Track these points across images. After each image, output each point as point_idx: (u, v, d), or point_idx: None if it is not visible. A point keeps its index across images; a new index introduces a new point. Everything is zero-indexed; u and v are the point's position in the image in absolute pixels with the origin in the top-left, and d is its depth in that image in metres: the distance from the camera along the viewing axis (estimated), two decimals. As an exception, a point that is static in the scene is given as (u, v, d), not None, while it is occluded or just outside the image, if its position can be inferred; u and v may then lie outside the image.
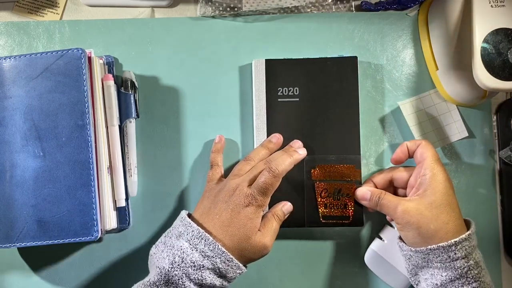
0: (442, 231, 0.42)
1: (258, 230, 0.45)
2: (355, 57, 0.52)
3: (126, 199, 0.51)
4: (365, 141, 0.53)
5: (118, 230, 0.51)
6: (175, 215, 0.52)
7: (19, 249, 0.52)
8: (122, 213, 0.51)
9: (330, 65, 0.52)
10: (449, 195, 0.44)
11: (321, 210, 0.51)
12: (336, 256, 0.53)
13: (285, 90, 0.52)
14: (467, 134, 0.52)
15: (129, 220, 0.51)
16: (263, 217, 0.47)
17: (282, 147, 0.51)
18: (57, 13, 0.56)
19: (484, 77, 0.45)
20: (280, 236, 0.52)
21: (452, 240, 0.42)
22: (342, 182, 0.51)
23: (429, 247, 0.42)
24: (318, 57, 0.52)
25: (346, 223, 0.51)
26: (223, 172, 0.51)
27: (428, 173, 0.44)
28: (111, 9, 0.56)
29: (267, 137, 0.51)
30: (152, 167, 0.53)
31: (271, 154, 0.49)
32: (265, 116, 0.52)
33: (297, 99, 0.52)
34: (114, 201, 0.50)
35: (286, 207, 0.49)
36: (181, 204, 0.53)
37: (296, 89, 0.52)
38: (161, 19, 0.55)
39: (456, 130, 0.53)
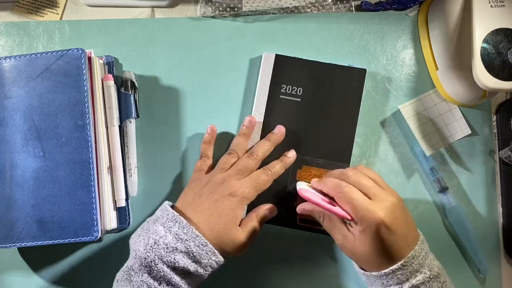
0: (372, 263, 0.42)
1: (239, 226, 0.46)
2: (364, 70, 0.52)
3: (126, 199, 0.51)
4: (365, 141, 0.53)
5: (118, 230, 0.51)
6: (175, 215, 0.53)
7: (19, 249, 0.52)
8: (122, 213, 0.51)
9: (338, 73, 0.52)
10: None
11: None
12: (336, 255, 0.52)
13: (289, 88, 0.52)
14: (470, 132, 0.52)
15: (129, 220, 0.51)
16: (246, 216, 0.49)
17: (264, 135, 0.51)
18: (57, 13, 0.56)
19: (484, 77, 0.45)
20: (279, 235, 0.52)
21: (382, 272, 0.41)
22: None
23: (367, 272, 0.43)
24: (328, 62, 0.52)
25: (322, 230, 0.48)
26: (212, 163, 0.51)
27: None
28: (111, 9, 0.56)
29: (263, 130, 0.52)
30: (152, 167, 0.53)
31: (249, 138, 0.51)
32: (264, 109, 0.52)
33: (299, 99, 0.52)
34: (114, 201, 0.50)
35: (270, 210, 0.50)
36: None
37: (300, 89, 0.52)
38: (161, 19, 0.55)
39: (459, 128, 0.52)
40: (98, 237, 0.46)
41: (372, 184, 0.43)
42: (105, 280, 0.52)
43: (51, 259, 0.52)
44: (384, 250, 0.41)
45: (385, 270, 0.41)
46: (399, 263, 0.40)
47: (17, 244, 0.46)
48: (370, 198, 0.42)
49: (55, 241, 0.46)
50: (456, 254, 0.52)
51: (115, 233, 0.52)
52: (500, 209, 0.53)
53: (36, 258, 0.52)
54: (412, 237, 0.42)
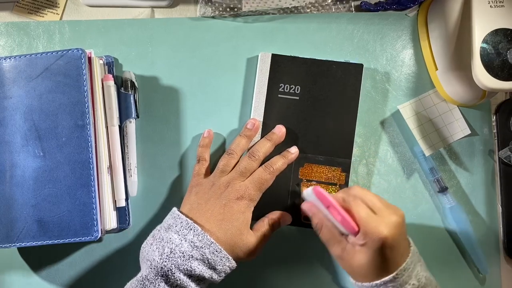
0: (368, 276, 0.42)
1: (251, 230, 0.46)
2: (361, 65, 0.52)
3: (126, 199, 0.51)
4: (365, 141, 0.53)
5: (118, 230, 0.51)
6: (175, 215, 0.53)
7: (19, 249, 0.52)
8: (122, 213, 0.51)
9: (335, 69, 0.52)
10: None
11: None
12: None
13: (287, 87, 0.52)
14: (469, 132, 0.52)
15: (129, 220, 0.51)
16: (258, 220, 0.49)
17: (264, 134, 0.51)
18: (57, 13, 0.56)
19: (483, 77, 0.45)
20: (280, 235, 0.52)
21: (374, 283, 0.41)
22: (327, 184, 0.51)
23: (358, 283, 0.43)
24: (324, 59, 0.52)
25: None
26: (209, 167, 0.51)
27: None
28: (111, 9, 0.56)
29: (262, 130, 0.52)
30: (152, 167, 0.53)
31: (250, 141, 0.51)
32: (263, 109, 0.52)
33: (297, 98, 0.52)
34: (114, 201, 0.50)
35: (283, 217, 0.50)
36: (181, 204, 0.53)
37: (297, 88, 0.52)
38: (161, 19, 0.55)
39: (459, 128, 0.53)
40: (98, 237, 0.46)
41: (377, 199, 0.43)
42: (105, 280, 0.52)
43: (51, 259, 0.52)
44: (382, 264, 0.41)
45: (377, 282, 0.41)
46: (391, 275, 0.40)
47: (17, 244, 0.46)
48: (375, 213, 0.42)
49: (55, 241, 0.46)
50: (456, 254, 0.52)
51: (115, 233, 0.52)
52: (500, 209, 0.53)
53: (36, 258, 0.52)
54: (405, 250, 0.42)
